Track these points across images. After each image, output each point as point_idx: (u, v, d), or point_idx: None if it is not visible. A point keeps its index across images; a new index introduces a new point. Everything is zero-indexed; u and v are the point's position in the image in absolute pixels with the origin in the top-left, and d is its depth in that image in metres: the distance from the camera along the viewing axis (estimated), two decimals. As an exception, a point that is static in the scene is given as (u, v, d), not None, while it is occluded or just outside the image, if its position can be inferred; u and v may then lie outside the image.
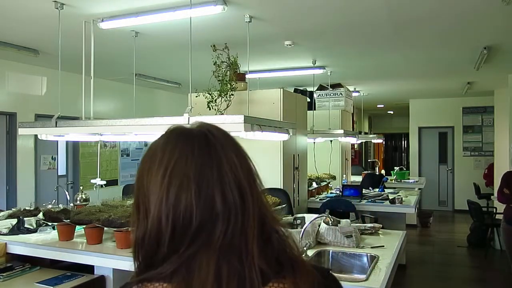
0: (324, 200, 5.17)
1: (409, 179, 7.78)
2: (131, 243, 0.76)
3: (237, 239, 0.68)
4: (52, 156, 5.94)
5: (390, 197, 5.25)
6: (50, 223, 3.08)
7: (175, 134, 0.76)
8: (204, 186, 0.69)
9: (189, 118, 2.66)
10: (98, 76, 3.82)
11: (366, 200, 5.26)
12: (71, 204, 3.58)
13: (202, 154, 0.72)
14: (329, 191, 6.04)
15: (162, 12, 3.35)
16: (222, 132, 0.78)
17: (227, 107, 3.60)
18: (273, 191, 3.96)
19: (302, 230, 2.66)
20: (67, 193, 4.18)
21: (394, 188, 6.52)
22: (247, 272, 0.67)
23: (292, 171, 4.62)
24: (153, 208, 0.71)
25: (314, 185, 5.68)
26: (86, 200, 3.54)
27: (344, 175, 6.85)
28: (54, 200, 3.66)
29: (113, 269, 2.61)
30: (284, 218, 3.31)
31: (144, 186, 0.74)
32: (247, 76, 4.20)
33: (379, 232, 3.31)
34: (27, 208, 3.50)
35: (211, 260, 0.67)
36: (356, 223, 3.64)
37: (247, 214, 0.70)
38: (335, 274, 0.83)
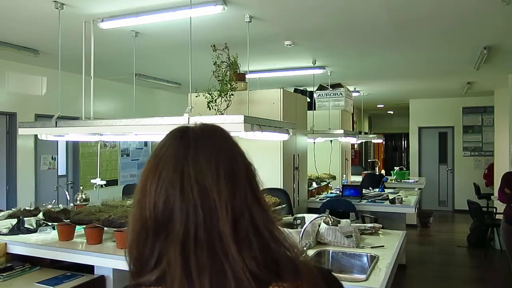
0: (324, 200, 5.17)
1: (409, 179, 7.78)
2: (125, 243, 0.77)
3: (203, 234, 0.68)
4: (52, 156, 5.94)
5: (390, 197, 5.25)
6: (50, 223, 3.08)
7: (172, 132, 0.79)
8: (165, 177, 0.72)
9: (189, 118, 2.66)
10: (98, 76, 3.82)
11: (366, 200, 5.26)
12: (71, 204, 3.58)
13: (175, 148, 0.74)
14: (329, 191, 6.03)
15: (162, 12, 3.35)
16: (208, 129, 0.78)
17: (227, 107, 3.60)
18: (273, 191, 3.96)
19: (302, 230, 2.66)
20: (67, 193, 4.18)
21: (394, 188, 6.51)
22: (227, 268, 0.66)
23: (292, 171, 4.62)
24: (137, 197, 0.74)
25: (314, 185, 5.68)
26: (86, 200, 3.54)
27: (344, 175, 6.85)
28: (54, 200, 3.66)
29: (113, 269, 2.61)
30: (284, 218, 3.32)
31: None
32: (247, 76, 4.20)
33: (379, 232, 3.31)
34: (27, 208, 3.50)
35: (177, 253, 0.67)
36: (356, 223, 3.64)
37: (214, 212, 0.69)
38: (336, 275, 0.83)
